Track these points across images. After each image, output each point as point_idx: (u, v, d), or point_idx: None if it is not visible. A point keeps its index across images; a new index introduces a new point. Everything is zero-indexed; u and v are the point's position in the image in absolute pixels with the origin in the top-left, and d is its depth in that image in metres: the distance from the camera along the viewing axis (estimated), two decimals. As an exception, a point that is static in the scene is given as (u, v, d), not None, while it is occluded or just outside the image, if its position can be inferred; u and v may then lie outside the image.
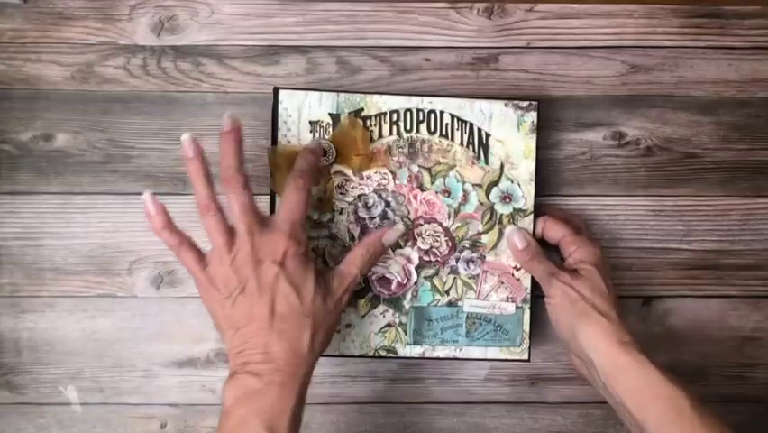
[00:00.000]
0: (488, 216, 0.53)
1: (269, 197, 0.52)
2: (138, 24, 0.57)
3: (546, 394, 0.58)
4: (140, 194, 0.55)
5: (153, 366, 0.57)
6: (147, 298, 0.57)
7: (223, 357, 0.57)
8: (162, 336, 0.57)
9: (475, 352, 0.54)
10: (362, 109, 0.53)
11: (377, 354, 0.53)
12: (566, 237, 0.51)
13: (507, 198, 0.53)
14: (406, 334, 0.53)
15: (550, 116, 0.57)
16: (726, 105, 0.58)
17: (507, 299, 0.54)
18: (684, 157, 0.58)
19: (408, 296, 0.53)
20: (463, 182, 0.53)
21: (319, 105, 0.52)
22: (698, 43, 0.58)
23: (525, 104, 0.53)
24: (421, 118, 0.53)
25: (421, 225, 0.53)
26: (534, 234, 0.53)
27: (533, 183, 0.53)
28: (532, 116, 0.53)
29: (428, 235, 0.53)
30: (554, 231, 0.52)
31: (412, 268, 0.53)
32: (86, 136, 0.56)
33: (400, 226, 0.52)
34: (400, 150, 0.53)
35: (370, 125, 0.53)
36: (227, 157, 0.46)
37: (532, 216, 0.53)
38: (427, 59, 0.57)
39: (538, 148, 0.53)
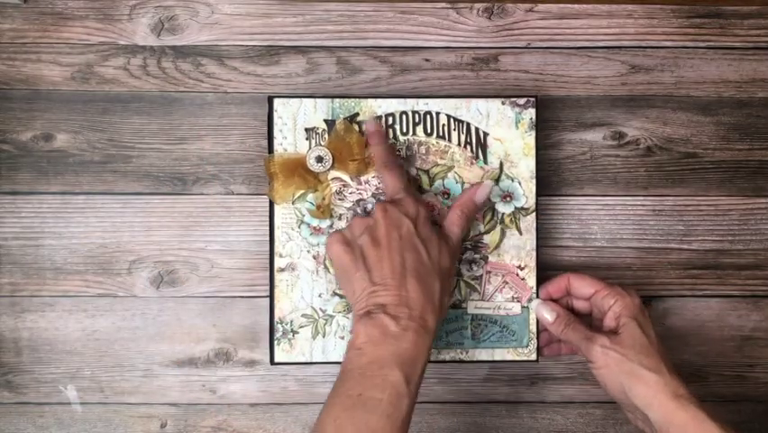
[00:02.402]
0: (489, 215, 0.53)
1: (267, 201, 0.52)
2: (138, 24, 0.57)
3: (546, 394, 0.58)
4: (140, 194, 0.56)
5: (153, 366, 0.57)
6: (147, 297, 0.57)
7: (222, 357, 0.57)
8: (162, 335, 0.57)
9: (482, 354, 0.53)
10: (358, 114, 0.52)
11: None
12: (601, 291, 0.50)
13: (507, 196, 0.53)
14: None
15: (550, 116, 0.57)
16: (726, 105, 0.58)
17: (513, 299, 0.53)
18: (684, 157, 0.58)
19: None
20: (462, 183, 0.53)
21: (314, 112, 0.52)
22: (698, 43, 0.58)
23: (522, 101, 0.53)
24: (417, 120, 0.53)
25: (421, 225, 0.53)
26: (537, 294, 0.53)
27: (534, 181, 0.53)
28: (530, 113, 0.53)
29: (428, 236, 0.53)
30: (586, 287, 0.51)
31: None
32: (86, 136, 0.56)
33: (489, 182, 0.52)
34: (397, 153, 0.53)
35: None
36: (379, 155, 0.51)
37: (534, 215, 0.53)
38: (427, 60, 0.57)
39: (538, 145, 0.53)
